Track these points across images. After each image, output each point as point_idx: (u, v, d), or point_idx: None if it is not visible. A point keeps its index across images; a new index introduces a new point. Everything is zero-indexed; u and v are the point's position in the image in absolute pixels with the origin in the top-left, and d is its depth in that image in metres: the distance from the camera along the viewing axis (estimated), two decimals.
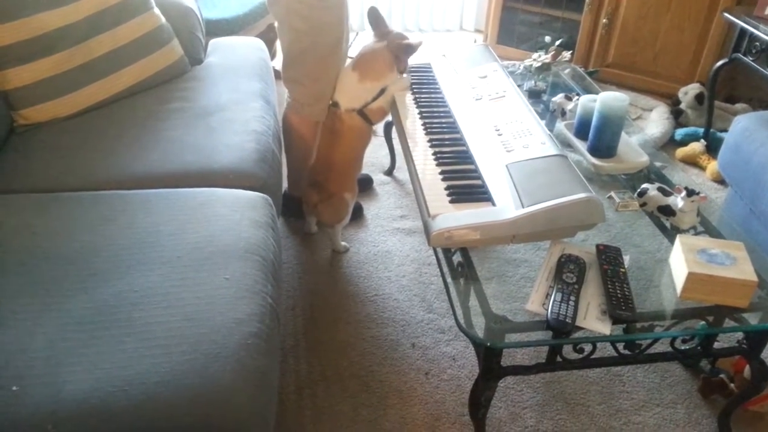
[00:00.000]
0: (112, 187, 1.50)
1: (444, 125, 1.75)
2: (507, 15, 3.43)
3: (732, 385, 1.57)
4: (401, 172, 2.50)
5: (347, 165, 1.93)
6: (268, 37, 2.83)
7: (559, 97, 1.92)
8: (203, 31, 2.24)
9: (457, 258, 1.38)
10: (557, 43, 2.42)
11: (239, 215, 1.40)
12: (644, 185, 1.54)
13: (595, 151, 1.66)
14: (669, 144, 2.80)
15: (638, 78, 3.14)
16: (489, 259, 1.43)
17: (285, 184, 2.13)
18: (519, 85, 1.91)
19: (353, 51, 2.00)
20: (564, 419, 1.56)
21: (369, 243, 2.12)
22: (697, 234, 1.47)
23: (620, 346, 1.31)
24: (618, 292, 1.22)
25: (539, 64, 2.18)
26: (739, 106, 2.97)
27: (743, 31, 2.40)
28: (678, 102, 2.95)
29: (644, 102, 3.05)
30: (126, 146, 1.66)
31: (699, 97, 2.87)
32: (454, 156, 1.61)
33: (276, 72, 2.23)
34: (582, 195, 1.31)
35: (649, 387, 1.65)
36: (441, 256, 1.40)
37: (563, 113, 1.88)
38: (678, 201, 1.46)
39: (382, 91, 1.87)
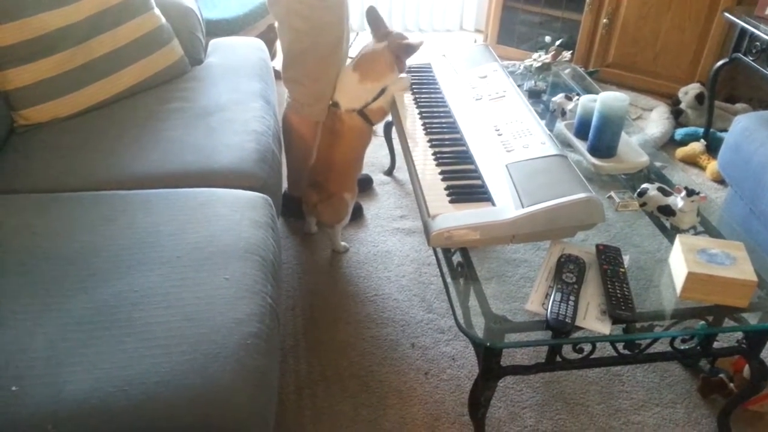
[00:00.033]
0: (112, 187, 1.51)
1: (444, 125, 1.75)
2: (507, 15, 3.43)
3: (731, 384, 1.57)
4: (401, 172, 2.50)
5: (347, 165, 1.93)
6: (268, 37, 2.83)
7: (559, 97, 1.92)
8: (203, 31, 2.24)
9: (456, 258, 1.39)
10: (557, 43, 2.42)
11: (239, 215, 1.40)
12: (644, 185, 1.54)
13: (595, 151, 1.66)
14: (669, 144, 2.80)
15: (638, 78, 3.14)
16: (489, 259, 1.44)
17: (285, 185, 2.13)
18: (519, 85, 1.91)
19: (353, 51, 2.00)
20: (563, 419, 1.56)
21: (369, 243, 2.12)
22: (696, 234, 1.47)
23: (620, 345, 1.31)
24: (618, 292, 1.22)
25: (539, 64, 2.18)
26: (739, 106, 2.97)
27: (743, 31, 2.41)
28: (678, 102, 2.95)
29: (644, 102, 3.05)
30: (126, 146, 1.66)
31: (699, 97, 2.87)
32: (454, 156, 1.61)
33: (276, 72, 2.23)
34: (582, 195, 1.31)
35: (648, 387, 1.65)
36: (441, 256, 1.40)
37: (563, 113, 1.88)
38: (678, 201, 1.47)
39: (383, 91, 1.87)
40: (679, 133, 2.82)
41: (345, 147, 1.90)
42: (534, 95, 2.06)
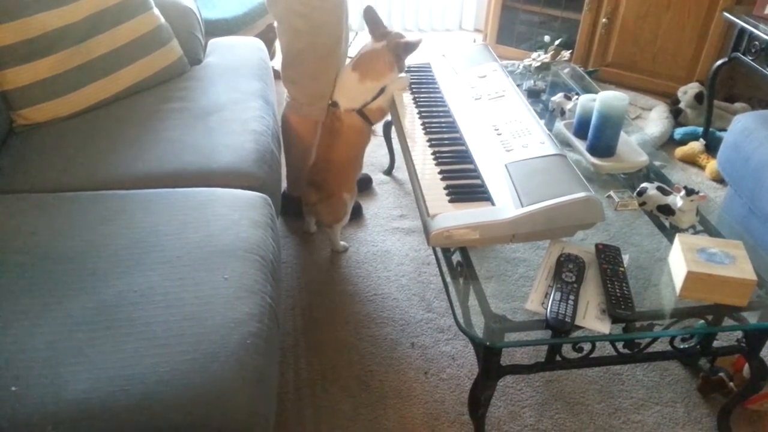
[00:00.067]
0: (111, 187, 1.50)
1: (443, 125, 1.75)
2: (506, 14, 3.43)
3: (731, 383, 1.57)
4: (400, 171, 2.50)
5: (346, 165, 1.93)
6: (268, 37, 2.83)
7: (558, 97, 1.92)
8: (202, 31, 2.24)
9: (456, 257, 1.39)
10: (557, 42, 2.42)
11: (238, 215, 1.40)
12: (643, 184, 1.54)
13: (594, 150, 1.66)
14: (668, 143, 2.80)
15: (638, 77, 3.14)
16: (488, 258, 1.44)
17: (284, 184, 2.13)
18: (518, 85, 1.91)
19: (353, 50, 2.00)
20: (563, 418, 1.56)
21: (368, 242, 2.12)
22: (696, 233, 1.47)
23: (619, 345, 1.31)
24: (617, 291, 1.22)
25: (539, 63, 2.18)
26: (738, 105, 2.97)
27: (743, 31, 2.41)
28: (677, 101, 2.95)
29: (644, 101, 3.05)
30: (125, 146, 1.66)
31: (698, 97, 2.87)
32: (453, 155, 1.61)
33: (275, 72, 2.23)
34: (581, 194, 1.31)
35: (648, 386, 1.65)
36: (440, 255, 1.40)
37: (562, 113, 1.88)
38: (677, 200, 1.47)
39: (382, 91, 1.87)
40: (679, 132, 2.82)
41: (344, 146, 1.90)
42: (533, 95, 2.06)
